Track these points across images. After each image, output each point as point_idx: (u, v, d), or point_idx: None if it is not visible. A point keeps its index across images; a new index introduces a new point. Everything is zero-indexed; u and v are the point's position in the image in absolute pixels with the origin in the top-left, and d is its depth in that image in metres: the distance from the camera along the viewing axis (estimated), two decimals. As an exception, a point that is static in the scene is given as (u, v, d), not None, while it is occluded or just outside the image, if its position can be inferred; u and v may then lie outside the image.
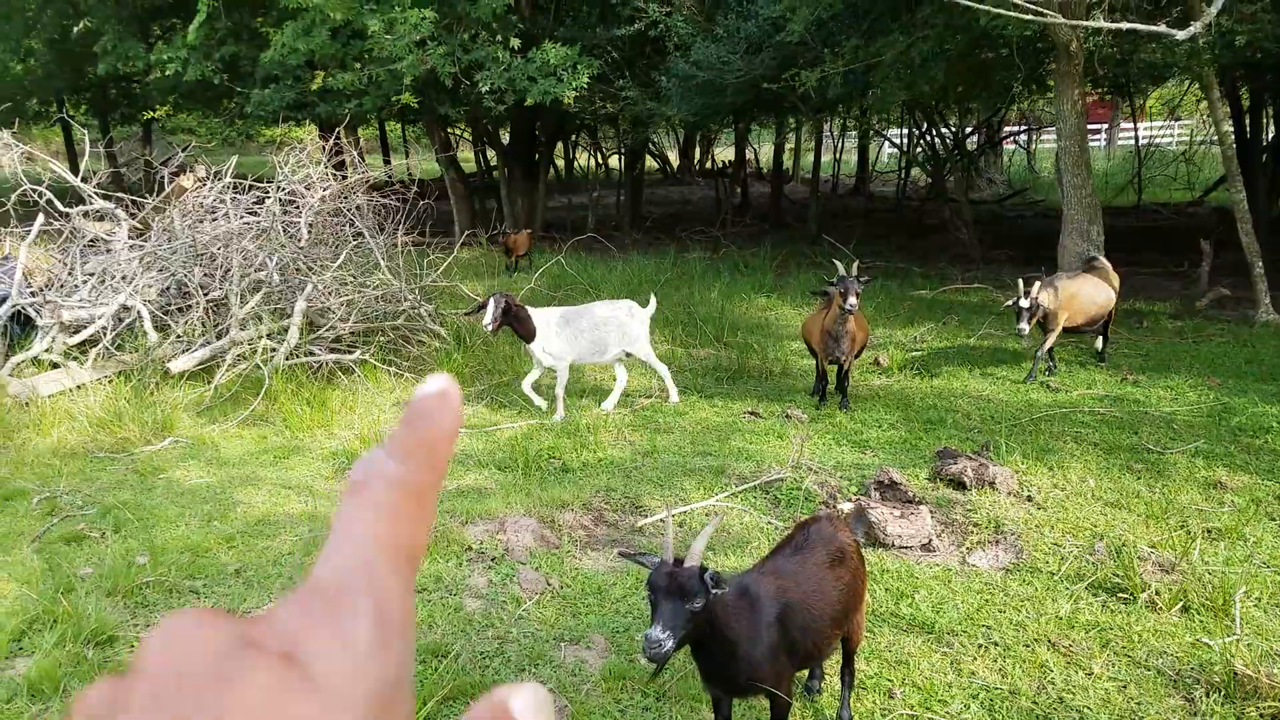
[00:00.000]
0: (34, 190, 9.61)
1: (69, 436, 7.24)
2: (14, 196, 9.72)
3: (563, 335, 7.48)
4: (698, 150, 32.23)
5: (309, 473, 6.54)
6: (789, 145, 25.30)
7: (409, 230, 10.80)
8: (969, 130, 20.16)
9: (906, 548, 4.88)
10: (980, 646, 4.03)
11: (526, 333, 7.41)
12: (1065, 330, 8.45)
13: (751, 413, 7.55)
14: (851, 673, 3.53)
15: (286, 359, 8.56)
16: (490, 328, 7.17)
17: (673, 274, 13.17)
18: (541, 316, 7.50)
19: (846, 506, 5.10)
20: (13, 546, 5.34)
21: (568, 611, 4.40)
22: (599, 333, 7.60)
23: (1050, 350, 8.56)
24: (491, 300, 7.23)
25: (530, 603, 4.44)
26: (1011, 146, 26.64)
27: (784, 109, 15.21)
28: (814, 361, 8.18)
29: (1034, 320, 7.94)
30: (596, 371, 8.97)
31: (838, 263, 7.51)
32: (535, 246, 16.11)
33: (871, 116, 18.20)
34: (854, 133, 29.20)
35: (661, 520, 5.43)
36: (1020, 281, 7.97)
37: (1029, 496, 5.60)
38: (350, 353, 8.93)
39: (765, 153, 32.28)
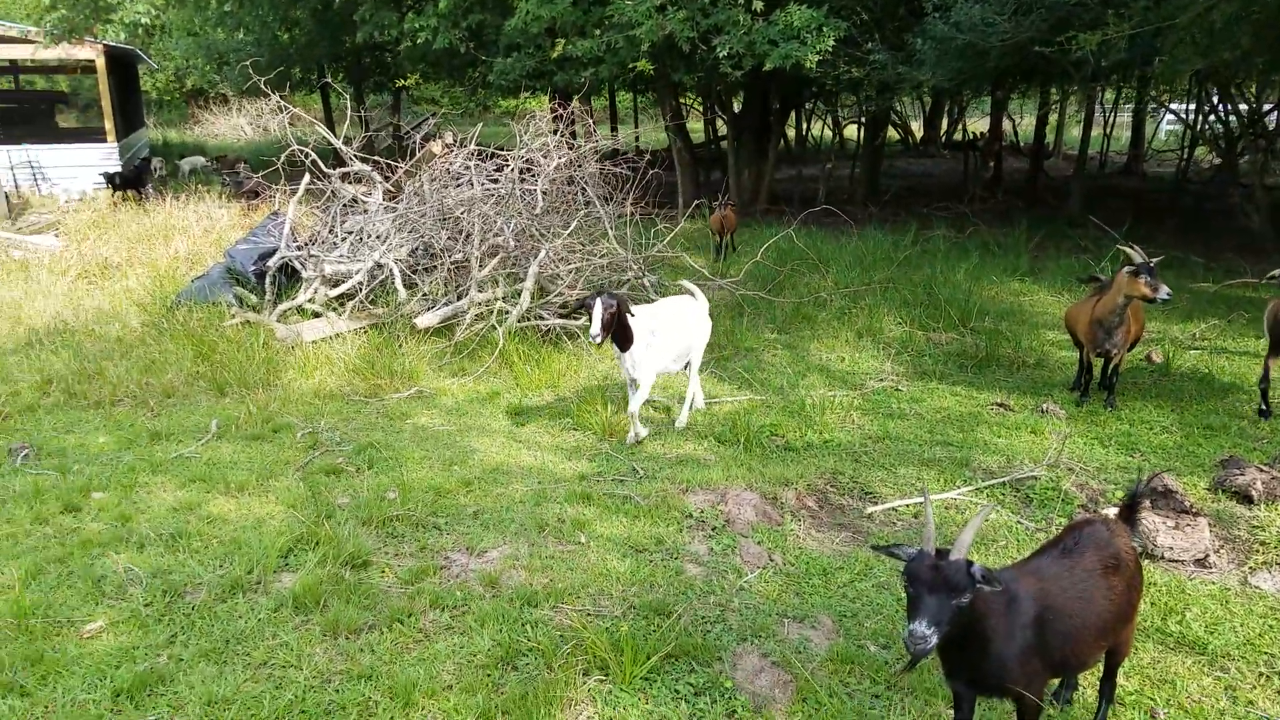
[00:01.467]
0: (300, 151, 10.74)
1: (328, 380, 8.10)
2: (283, 157, 10.92)
3: (655, 343, 6.55)
4: (944, 120, 30.90)
5: (537, 428, 6.96)
6: (1052, 117, 23.72)
7: (635, 200, 11.13)
8: (1269, 106, 18.08)
9: (1178, 561, 4.54)
10: (1261, 675, 3.71)
11: (625, 340, 6.36)
12: None
13: (1000, 404, 7.24)
14: (1112, 687, 3.37)
15: (519, 321, 9.12)
16: (598, 339, 5.99)
17: (913, 252, 12.76)
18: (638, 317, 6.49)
19: (1111, 513, 4.80)
20: (280, 473, 6.08)
21: (791, 589, 4.45)
22: (683, 336, 6.79)
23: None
24: (598, 302, 5.97)
25: (752, 575, 4.53)
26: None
27: (1053, 76, 14.28)
28: (1076, 353, 7.71)
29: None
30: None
31: (1132, 249, 6.97)
32: (760, 219, 16.10)
33: (1156, 87, 16.72)
34: (1129, 105, 26.94)
35: (906, 504, 5.35)
36: None
37: (1331, 518, 5.04)
38: (576, 319, 9.37)
39: (1023, 125, 30.46)
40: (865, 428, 6.78)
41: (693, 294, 7.32)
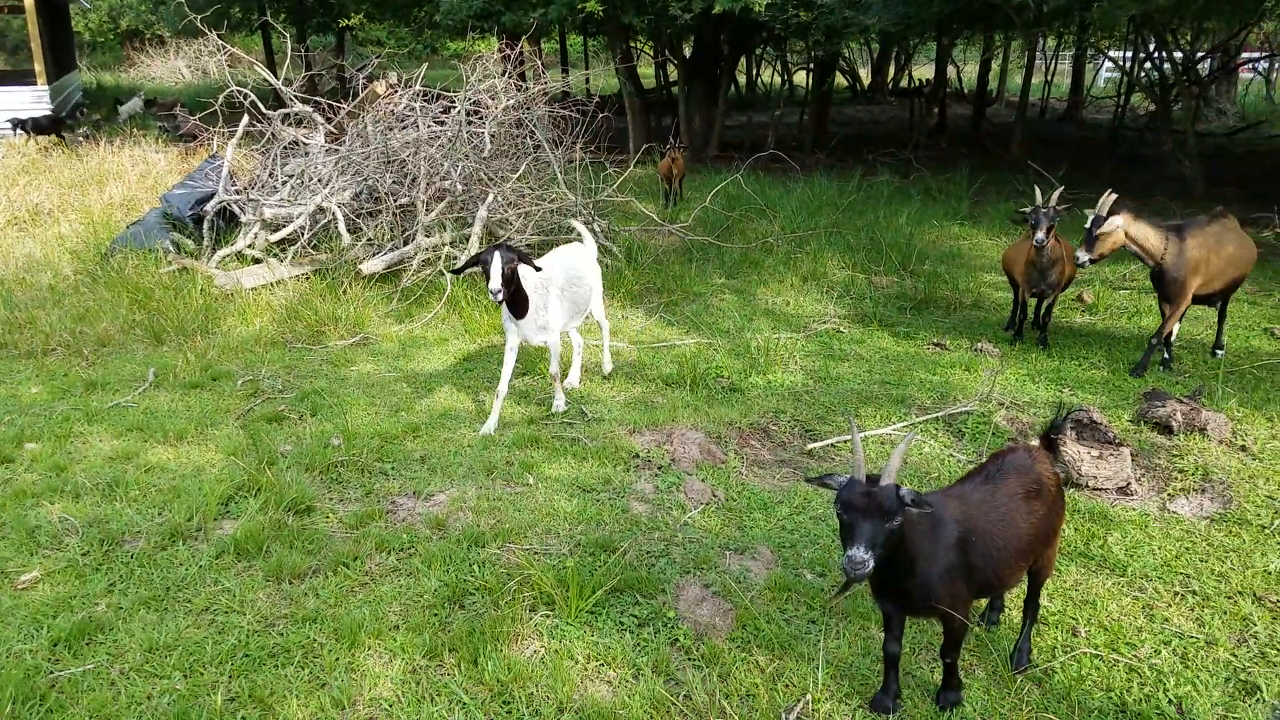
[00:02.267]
0: (239, 92, 10.39)
1: (270, 327, 7.94)
2: (220, 98, 10.56)
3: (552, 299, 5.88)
4: (891, 68, 30.86)
5: (485, 374, 6.91)
6: (995, 64, 23.80)
7: (585, 145, 10.98)
8: (1201, 54, 18.32)
9: (1101, 489, 4.68)
10: (1176, 594, 3.86)
11: (519, 303, 5.66)
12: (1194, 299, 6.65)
13: (937, 344, 7.35)
14: (1035, 607, 3.48)
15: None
16: (499, 296, 5.29)
17: (857, 197, 12.81)
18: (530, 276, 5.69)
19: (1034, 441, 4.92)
20: (220, 422, 5.97)
21: (733, 523, 4.51)
22: (580, 286, 6.19)
23: (1169, 335, 6.80)
24: (496, 256, 5.29)
25: (695, 511, 4.58)
26: (1249, 75, 24.02)
27: (996, 22, 14.30)
28: (1011, 294, 7.84)
29: (1096, 253, 6.27)
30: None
31: (1036, 189, 7.10)
32: (711, 166, 16.01)
33: (1094, 33, 16.82)
34: (1068, 52, 27.10)
35: (845, 440, 5.43)
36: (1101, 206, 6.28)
37: (1243, 446, 5.24)
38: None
39: (966, 72, 30.54)
40: (808, 369, 6.84)
41: (580, 237, 6.86)
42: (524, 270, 5.49)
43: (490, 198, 9.40)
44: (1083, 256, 6.35)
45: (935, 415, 5.71)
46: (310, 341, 7.74)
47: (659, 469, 5.08)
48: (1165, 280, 6.45)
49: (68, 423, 5.90)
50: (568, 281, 5.98)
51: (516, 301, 5.59)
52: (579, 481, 4.93)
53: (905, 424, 5.61)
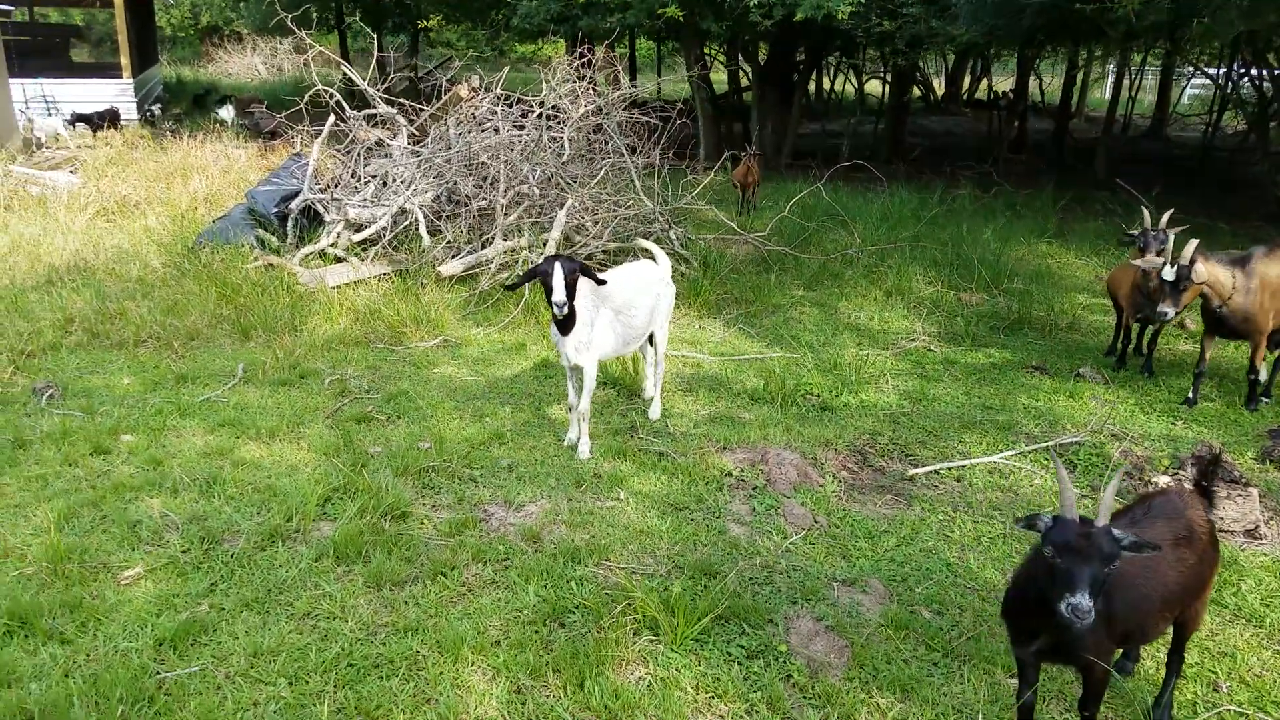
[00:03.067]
0: (325, 92, 10.50)
1: (353, 327, 7.98)
2: (306, 96, 10.69)
3: (602, 321, 5.42)
4: (966, 78, 30.34)
5: (562, 379, 6.83)
6: (1078, 76, 23.24)
7: (662, 152, 10.90)
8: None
9: (1229, 531, 4.45)
10: (1324, 652, 3.63)
11: (568, 320, 5.23)
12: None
13: (1037, 367, 7.11)
14: (1179, 661, 3.29)
15: (546, 270, 8.96)
16: (563, 310, 4.96)
17: (939, 211, 12.56)
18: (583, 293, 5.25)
19: (1164, 481, 4.70)
20: (310, 420, 5.99)
21: (837, 552, 4.37)
22: (641, 310, 5.67)
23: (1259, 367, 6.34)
24: (557, 267, 4.88)
25: (797, 537, 4.45)
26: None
27: (1086, 35, 13.92)
28: (1114, 318, 7.57)
29: (1181, 302, 5.87)
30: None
31: (1145, 210, 6.83)
32: (784, 174, 15.84)
33: (1190, 49, 16.30)
34: (1153, 67, 26.34)
35: (949, 466, 5.25)
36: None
37: (1383, 492, 4.95)
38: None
39: (1047, 85, 29.89)
40: (901, 388, 6.66)
41: (653, 256, 6.25)
42: (581, 283, 5.15)
43: (570, 202, 9.36)
44: (1168, 312, 5.93)
45: (1045, 445, 5.50)
46: (392, 342, 7.76)
47: (754, 490, 4.95)
48: (1235, 317, 6.08)
49: (161, 415, 5.97)
50: (624, 305, 5.51)
51: (567, 316, 5.18)
52: (670, 499, 4.83)
53: (1014, 451, 5.41)
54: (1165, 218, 6.78)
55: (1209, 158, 18.99)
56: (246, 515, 4.56)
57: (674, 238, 9.94)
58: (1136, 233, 6.88)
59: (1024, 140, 20.78)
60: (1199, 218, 12.69)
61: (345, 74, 10.73)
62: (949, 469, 5.26)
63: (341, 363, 7.18)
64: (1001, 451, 5.42)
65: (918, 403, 6.34)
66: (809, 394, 6.37)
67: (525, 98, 10.77)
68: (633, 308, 5.57)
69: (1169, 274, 5.84)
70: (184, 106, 23.55)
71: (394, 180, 9.98)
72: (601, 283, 5.19)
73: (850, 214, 12.10)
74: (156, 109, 20.75)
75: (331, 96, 10.47)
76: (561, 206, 9.71)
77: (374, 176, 10.49)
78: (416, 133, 10.83)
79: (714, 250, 10.23)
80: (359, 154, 10.58)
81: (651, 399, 6.13)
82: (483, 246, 9.39)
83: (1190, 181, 16.64)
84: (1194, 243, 5.91)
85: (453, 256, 9.29)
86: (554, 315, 5.01)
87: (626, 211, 9.80)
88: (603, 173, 9.87)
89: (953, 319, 8.64)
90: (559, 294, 4.90)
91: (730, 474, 5.09)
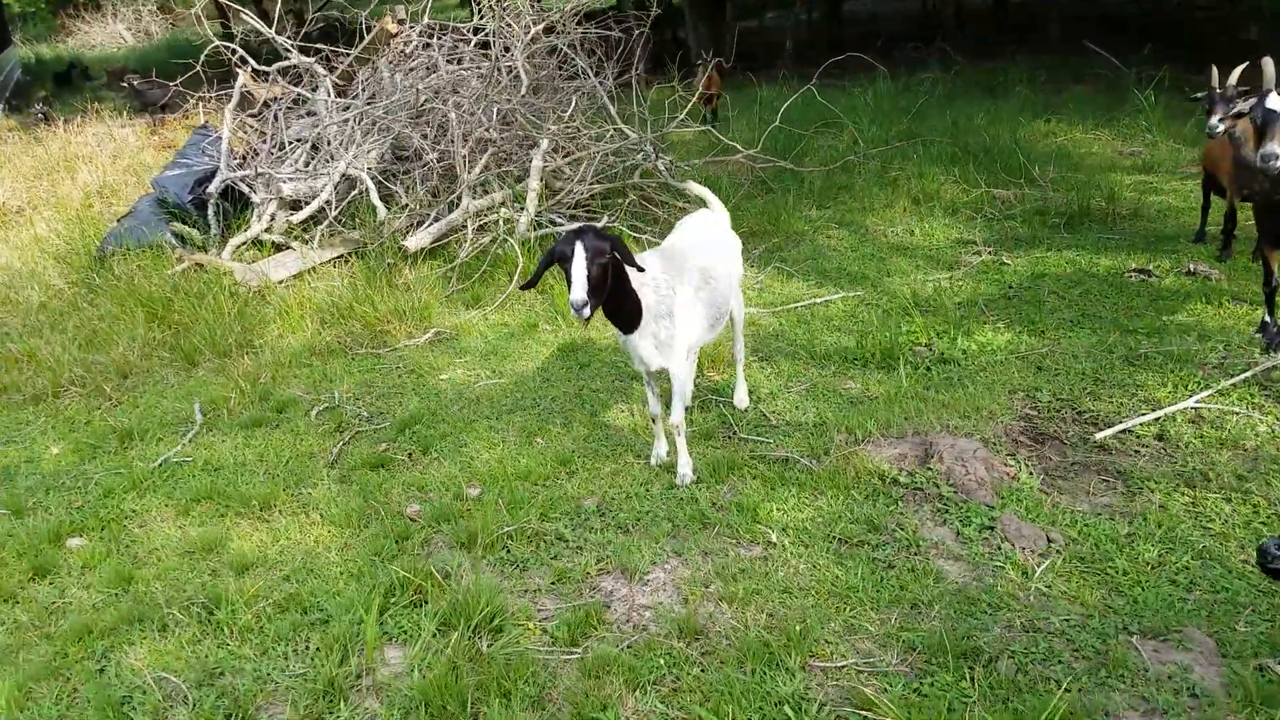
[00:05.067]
0: (225, 49, 8.64)
1: (321, 331, 6.46)
2: (202, 56, 8.80)
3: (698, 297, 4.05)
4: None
5: (608, 370, 5.49)
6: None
7: (621, 71, 9.32)
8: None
9: None
10: None
11: (627, 312, 3.85)
12: None
13: (1141, 271, 5.99)
14: None
15: (533, 229, 7.50)
16: (585, 313, 3.45)
17: (927, 100, 11.28)
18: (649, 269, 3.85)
19: None
20: (310, 475, 4.56)
21: (1105, 585, 3.15)
22: (722, 278, 4.25)
23: None
24: (578, 248, 3.44)
25: (1041, 570, 3.25)
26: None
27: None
28: (1199, 198, 6.50)
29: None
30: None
31: (1214, 69, 5.68)
32: (739, 79, 14.37)
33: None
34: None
35: (1140, 422, 4.09)
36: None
37: None
38: (597, 219, 7.77)
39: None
40: (1009, 319, 5.46)
41: (707, 203, 4.80)
42: (647, 259, 3.85)
43: (545, 143, 7.84)
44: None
45: (1243, 376, 4.38)
46: (374, 344, 6.27)
47: (943, 501, 3.71)
48: None
49: (112, 499, 4.47)
50: (705, 273, 4.08)
51: (620, 308, 3.80)
52: (836, 531, 3.58)
53: (1209, 390, 4.29)
54: (1236, 74, 5.62)
55: (1154, 9, 18.03)
56: (280, 660, 3.17)
57: (663, 168, 8.50)
58: (1202, 95, 5.73)
59: (961, 12, 19.54)
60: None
61: (243, 24, 8.82)
62: (1140, 425, 4.11)
63: (323, 382, 5.70)
64: (1195, 393, 4.29)
65: (1042, 336, 5.17)
66: (917, 344, 5.14)
67: (460, 25, 9.07)
68: (714, 274, 4.19)
69: (1275, 101, 4.60)
70: (47, 88, 20.74)
71: (328, 143, 8.28)
72: (640, 269, 3.69)
73: (829, 116, 10.72)
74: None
75: (233, 53, 8.62)
76: (533, 148, 8.18)
77: (299, 140, 8.77)
78: (340, 82, 9.06)
79: (709, 176, 8.83)
80: (277, 116, 8.79)
81: (740, 393, 4.81)
82: (450, 209, 7.84)
83: (1158, 37, 15.48)
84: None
85: (417, 226, 7.73)
86: (577, 319, 3.50)
87: (607, 146, 8.30)
88: (574, 103, 8.32)
89: (1002, 222, 7.49)
90: (578, 290, 3.41)
91: (895, 480, 3.85)
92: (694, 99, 12.51)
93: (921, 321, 5.25)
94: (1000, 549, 3.34)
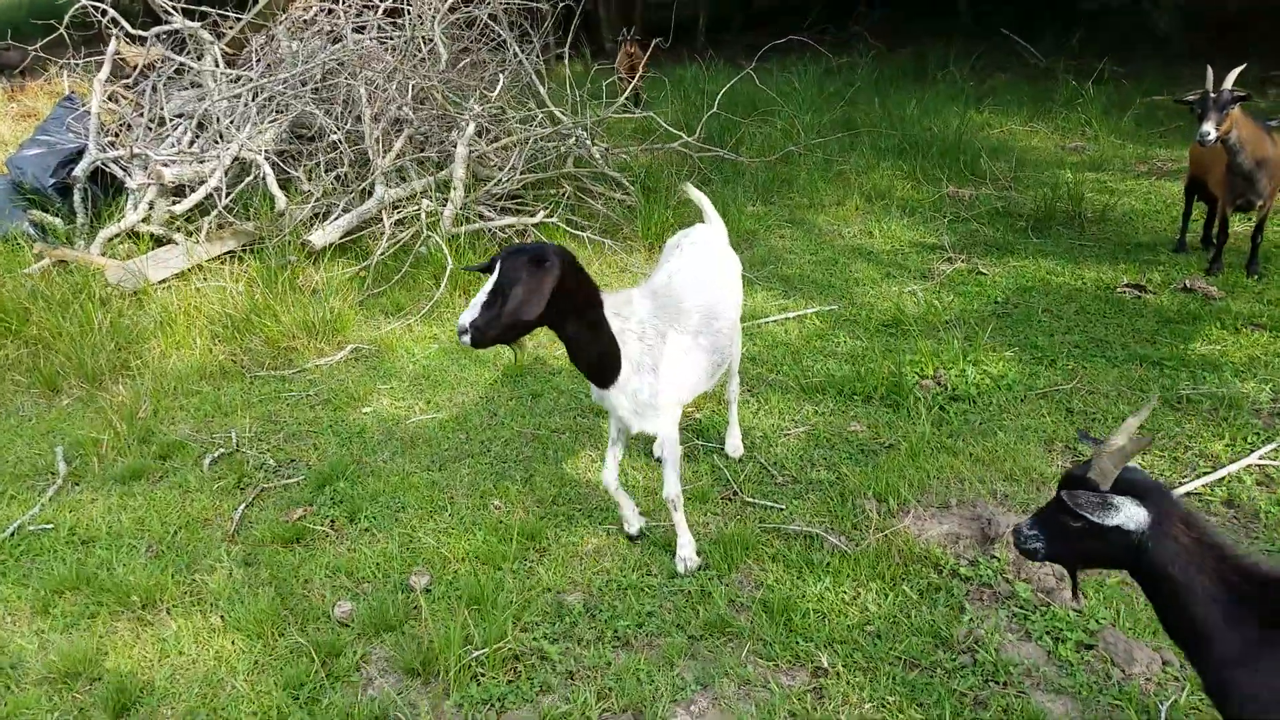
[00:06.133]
0: (94, 8, 7.18)
1: (214, 348, 5.29)
2: (66, 18, 7.33)
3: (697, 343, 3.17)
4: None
5: (565, 398, 4.56)
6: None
7: (544, 46, 8.27)
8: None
9: None
10: None
11: (603, 365, 2.98)
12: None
13: (1134, 286, 5.40)
14: None
15: (459, 224, 6.45)
16: (465, 340, 2.67)
17: (861, 84, 10.56)
18: (626, 309, 3.03)
19: None
20: (204, 551, 3.52)
21: None
22: (724, 314, 3.36)
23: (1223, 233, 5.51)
24: (499, 267, 2.69)
25: (1165, 710, 2.53)
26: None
27: None
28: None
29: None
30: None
31: (1209, 69, 5.13)
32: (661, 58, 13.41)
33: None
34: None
35: (1196, 488, 3.44)
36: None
37: None
38: (531, 214, 6.76)
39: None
40: (1013, 346, 4.74)
41: (703, 214, 3.93)
42: (627, 297, 3.03)
43: (470, 128, 6.75)
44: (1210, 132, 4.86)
45: (1304, 424, 3.79)
46: (278, 364, 5.17)
47: (1019, 603, 2.90)
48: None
49: (-61, 594, 3.33)
50: (709, 314, 3.21)
51: (583, 354, 2.95)
52: (893, 646, 2.76)
53: (1272, 446, 3.67)
54: (1232, 76, 5.08)
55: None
56: None
57: (598, 156, 7.53)
58: (1194, 98, 5.18)
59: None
60: (1113, 65, 11.24)
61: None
62: (1205, 487, 3.47)
63: (216, 417, 4.60)
64: (1256, 447, 3.66)
65: (1053, 366, 4.50)
66: (924, 377, 4.39)
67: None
68: (719, 313, 3.30)
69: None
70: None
71: (216, 120, 6.97)
72: (591, 298, 2.85)
73: (763, 101, 9.88)
74: None
75: (104, 14, 7.17)
76: (453, 130, 7.09)
77: (181, 116, 7.41)
78: (230, 50, 7.70)
79: (644, 166, 7.90)
80: (154, 87, 7.40)
81: (733, 439, 3.97)
82: (361, 199, 6.70)
83: (1069, 23, 15.07)
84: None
85: (323, 218, 6.57)
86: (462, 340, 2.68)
87: (537, 131, 7.26)
88: (500, 81, 7.24)
89: (965, 224, 6.84)
90: (466, 313, 2.66)
91: (955, 571, 3.07)
92: (623, 78, 11.57)
93: (925, 348, 4.50)
94: (1110, 678, 2.61)
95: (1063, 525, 1.93)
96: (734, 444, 3.94)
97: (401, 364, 5.12)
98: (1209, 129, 4.95)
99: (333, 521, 3.67)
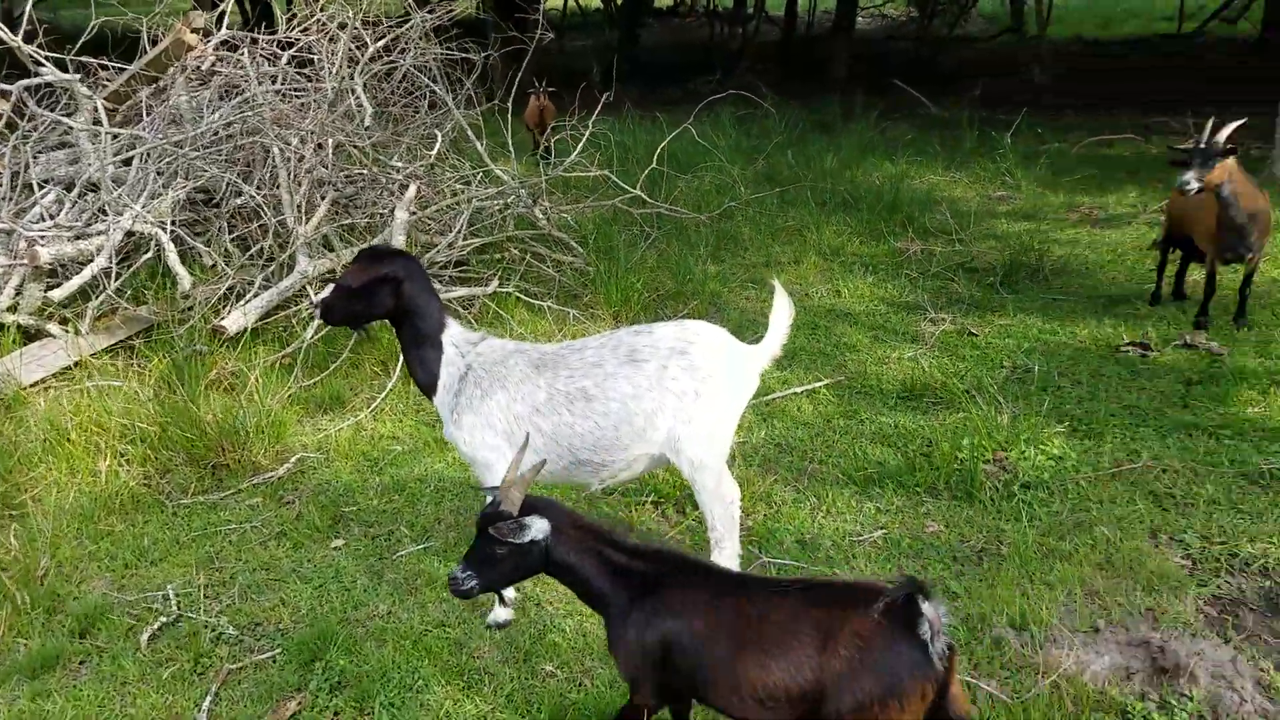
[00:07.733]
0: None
1: (120, 470, 4.22)
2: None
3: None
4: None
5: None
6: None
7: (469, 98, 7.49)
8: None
9: None
10: None
11: (414, 371, 3.10)
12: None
13: (1137, 345, 5.12)
14: None
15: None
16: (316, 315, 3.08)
17: (782, 139, 10.23)
18: (469, 350, 3.04)
19: None
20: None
21: None
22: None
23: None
24: (362, 258, 3.00)
25: None
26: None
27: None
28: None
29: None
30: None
31: (1209, 122, 5.01)
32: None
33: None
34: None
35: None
36: None
37: None
38: (482, 283, 5.96)
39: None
40: (1051, 419, 4.28)
41: (771, 326, 3.41)
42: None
43: (411, 190, 5.90)
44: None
45: None
46: (206, 486, 4.18)
47: None
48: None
49: None
50: (594, 444, 3.00)
51: (411, 368, 3.17)
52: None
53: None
54: (1226, 132, 4.96)
55: (919, 49, 18.28)
56: None
57: (540, 216, 6.80)
58: (1187, 147, 5.05)
59: (745, 48, 19.07)
60: (1006, 115, 11.40)
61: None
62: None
63: (140, 566, 3.60)
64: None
65: (1100, 439, 4.08)
66: (988, 461, 3.87)
67: (271, 37, 6.84)
68: (622, 445, 3.08)
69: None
70: None
71: (101, 188, 5.82)
72: (424, 313, 3.02)
73: (683, 154, 9.38)
74: None
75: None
76: (383, 193, 6.23)
77: (48, 182, 6.23)
78: (110, 105, 6.52)
79: (588, 224, 7.23)
80: (16, 147, 6.17)
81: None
82: (281, 273, 5.71)
83: (948, 78, 15.29)
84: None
85: (236, 298, 5.55)
86: None
87: (478, 192, 6.47)
88: (438, 139, 6.43)
89: (932, 280, 6.50)
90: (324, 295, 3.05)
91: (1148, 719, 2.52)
92: (530, 130, 10.90)
93: (983, 427, 3.99)
94: None
95: (491, 555, 2.22)
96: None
97: (364, 478, 4.21)
98: (1189, 178, 4.80)
99: (336, 715, 2.77)
